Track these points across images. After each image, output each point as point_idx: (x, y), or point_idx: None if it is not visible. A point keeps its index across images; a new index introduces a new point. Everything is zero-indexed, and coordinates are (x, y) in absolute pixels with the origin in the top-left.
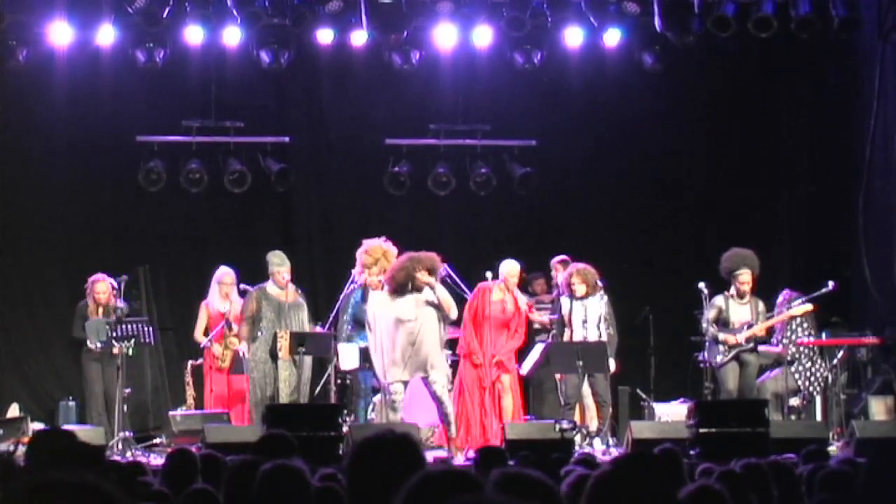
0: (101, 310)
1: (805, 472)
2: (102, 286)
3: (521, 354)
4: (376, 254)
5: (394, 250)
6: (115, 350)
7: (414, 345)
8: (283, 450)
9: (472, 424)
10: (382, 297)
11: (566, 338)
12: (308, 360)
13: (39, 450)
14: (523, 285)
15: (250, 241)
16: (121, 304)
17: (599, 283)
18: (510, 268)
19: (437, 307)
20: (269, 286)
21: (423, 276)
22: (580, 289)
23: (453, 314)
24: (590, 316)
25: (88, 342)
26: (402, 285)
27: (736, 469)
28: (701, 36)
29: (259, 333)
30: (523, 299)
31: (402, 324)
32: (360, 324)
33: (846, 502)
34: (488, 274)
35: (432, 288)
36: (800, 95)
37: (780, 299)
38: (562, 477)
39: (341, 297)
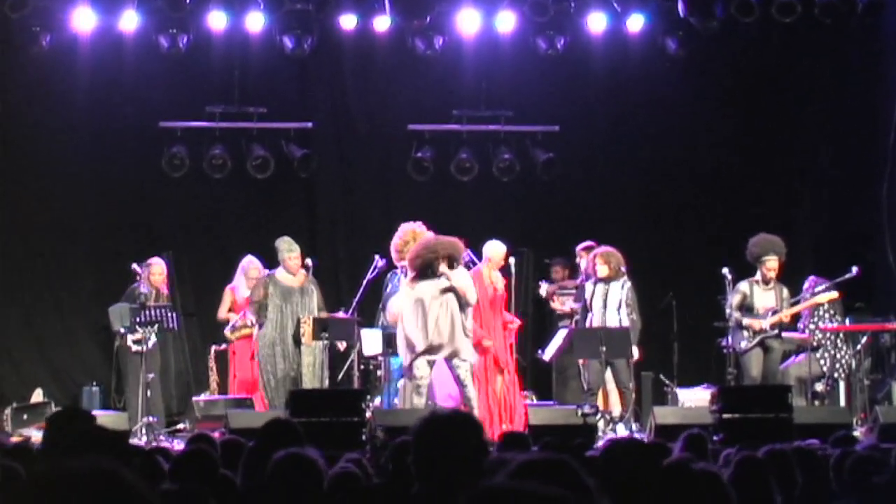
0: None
1: (832, 456)
2: (159, 268)
3: (543, 340)
4: (407, 237)
5: (425, 232)
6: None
7: (437, 327)
8: (290, 437)
9: (492, 411)
10: (405, 280)
11: (587, 323)
12: (322, 345)
13: (57, 432)
14: (545, 272)
15: (273, 227)
16: (144, 289)
17: (622, 269)
18: (495, 250)
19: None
20: (279, 272)
21: (440, 265)
22: (602, 269)
23: (472, 298)
24: (610, 300)
25: (113, 327)
26: (421, 271)
27: (758, 455)
28: (724, 21)
29: (265, 319)
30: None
31: (423, 305)
32: None
33: (878, 487)
34: (511, 259)
35: (448, 279)
36: (823, 80)
37: (806, 285)
38: (586, 461)
39: (365, 281)
